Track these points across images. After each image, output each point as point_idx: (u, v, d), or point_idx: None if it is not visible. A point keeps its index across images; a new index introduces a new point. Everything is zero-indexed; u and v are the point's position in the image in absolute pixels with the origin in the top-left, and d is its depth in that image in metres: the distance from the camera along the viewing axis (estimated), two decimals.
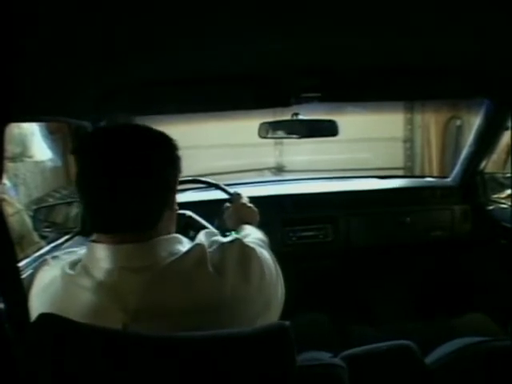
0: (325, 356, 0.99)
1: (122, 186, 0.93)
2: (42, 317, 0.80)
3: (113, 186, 0.93)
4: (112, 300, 0.91)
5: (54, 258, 1.11)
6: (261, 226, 1.58)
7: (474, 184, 2.50)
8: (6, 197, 3.20)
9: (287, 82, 1.60)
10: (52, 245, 1.85)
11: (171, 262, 0.94)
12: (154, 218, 0.97)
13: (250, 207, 1.68)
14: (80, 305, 0.92)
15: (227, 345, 0.83)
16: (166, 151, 1.01)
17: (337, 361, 0.97)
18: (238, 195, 1.77)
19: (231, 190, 1.92)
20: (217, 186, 2.00)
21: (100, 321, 0.87)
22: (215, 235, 1.13)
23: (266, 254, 1.09)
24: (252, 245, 1.06)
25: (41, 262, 1.13)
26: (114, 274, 0.93)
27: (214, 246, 1.01)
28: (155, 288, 0.92)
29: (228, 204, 1.75)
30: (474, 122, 2.38)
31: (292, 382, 0.82)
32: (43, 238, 2.71)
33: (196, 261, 0.95)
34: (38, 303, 0.99)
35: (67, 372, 0.80)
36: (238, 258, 0.99)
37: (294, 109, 1.93)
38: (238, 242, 1.04)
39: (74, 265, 0.99)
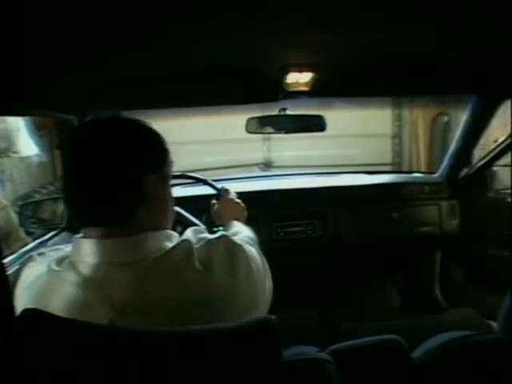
0: (311, 350, 0.99)
1: (96, 181, 0.94)
2: (26, 312, 0.79)
3: (90, 179, 0.94)
4: (98, 295, 0.91)
5: (40, 254, 1.09)
6: (249, 221, 1.58)
7: (483, 178, 2.50)
8: None
9: (275, 76, 1.60)
10: (38, 241, 1.83)
11: (158, 257, 0.94)
12: (129, 213, 0.96)
13: (237, 203, 1.68)
14: (66, 300, 0.92)
15: (213, 339, 0.82)
16: (148, 145, 1.00)
17: (324, 355, 0.96)
18: (226, 191, 1.76)
19: (219, 185, 1.91)
20: (204, 182, 1.99)
21: (86, 316, 0.86)
22: (202, 232, 1.12)
23: (253, 251, 1.08)
24: (239, 241, 1.06)
25: (27, 259, 1.11)
26: (100, 269, 0.92)
27: (201, 243, 1.01)
28: (141, 284, 0.91)
29: (214, 200, 1.74)
30: (461, 119, 2.40)
31: (278, 377, 0.82)
32: (29, 234, 2.69)
33: (183, 256, 0.95)
34: (23, 300, 0.97)
35: (52, 367, 0.79)
36: (225, 255, 0.98)
37: (282, 104, 1.93)
38: (224, 238, 1.03)
39: (60, 261, 0.98)
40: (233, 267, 0.97)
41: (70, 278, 0.93)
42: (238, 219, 1.52)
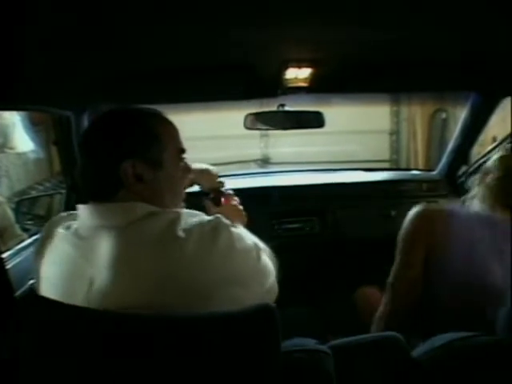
0: (310, 342, 0.99)
1: (87, 164, 1.08)
2: (27, 299, 0.81)
3: (85, 162, 1.08)
4: (85, 254, 0.99)
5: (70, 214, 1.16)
6: (246, 218, 1.56)
7: None
8: None
9: (274, 72, 1.59)
10: (34, 237, 1.83)
11: (144, 223, 0.98)
12: (112, 191, 1.05)
13: (240, 210, 1.65)
14: (62, 257, 1.03)
15: (212, 325, 0.83)
16: (130, 134, 1.06)
17: (322, 347, 0.97)
18: (229, 195, 1.72)
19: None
20: None
21: (73, 272, 0.99)
22: (198, 215, 1.13)
23: (242, 234, 1.09)
24: (229, 223, 1.07)
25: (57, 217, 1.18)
26: (93, 231, 1.00)
27: (193, 217, 1.04)
28: (124, 247, 0.95)
29: (208, 201, 1.70)
30: (459, 115, 2.39)
31: (276, 366, 0.83)
32: (25, 230, 2.68)
33: (167, 224, 0.98)
34: (44, 252, 1.09)
35: (52, 354, 0.81)
36: (209, 229, 1.00)
37: (281, 100, 1.92)
38: (216, 217, 1.05)
39: (69, 226, 1.07)
40: (214, 238, 0.98)
41: (69, 238, 1.03)
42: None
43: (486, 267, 1.32)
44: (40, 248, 1.11)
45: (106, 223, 1.00)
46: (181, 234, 0.96)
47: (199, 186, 1.68)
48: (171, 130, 1.15)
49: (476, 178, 1.53)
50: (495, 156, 1.46)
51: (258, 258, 1.10)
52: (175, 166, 1.13)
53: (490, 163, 1.46)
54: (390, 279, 1.51)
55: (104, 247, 0.96)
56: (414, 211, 1.50)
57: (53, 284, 1.04)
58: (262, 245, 1.25)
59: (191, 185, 1.62)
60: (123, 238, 0.96)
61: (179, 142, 1.16)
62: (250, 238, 1.15)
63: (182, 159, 1.17)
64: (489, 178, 1.43)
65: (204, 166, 1.72)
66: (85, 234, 1.01)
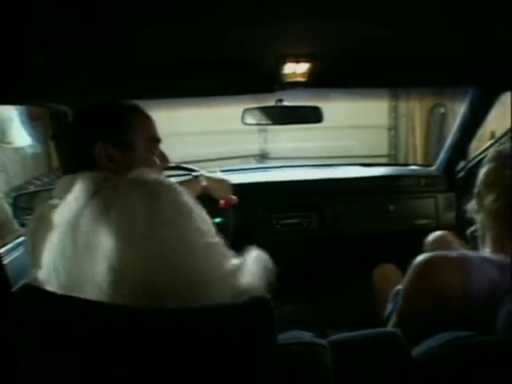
0: (306, 335, 0.99)
1: (70, 145, 1.25)
2: (25, 294, 0.81)
3: (68, 144, 1.27)
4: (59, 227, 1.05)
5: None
6: (245, 213, 1.57)
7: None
8: None
9: (272, 67, 1.58)
10: None
11: (102, 184, 1.04)
12: (87, 168, 1.14)
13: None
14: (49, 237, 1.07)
15: (207, 317, 0.84)
16: (102, 121, 1.20)
17: (319, 340, 0.96)
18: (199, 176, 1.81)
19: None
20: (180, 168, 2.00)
21: (54, 247, 1.04)
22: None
23: (195, 210, 1.03)
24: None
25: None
26: (66, 201, 1.06)
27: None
28: (79, 214, 1.01)
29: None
30: (458, 110, 2.38)
31: (272, 358, 0.83)
32: (23, 225, 2.67)
33: (124, 179, 1.04)
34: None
35: (51, 347, 0.81)
36: (158, 180, 1.03)
37: (279, 95, 1.91)
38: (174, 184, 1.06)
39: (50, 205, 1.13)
40: (153, 194, 1.00)
41: (50, 214, 1.09)
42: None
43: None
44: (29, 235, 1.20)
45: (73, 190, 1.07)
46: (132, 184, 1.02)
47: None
48: (145, 121, 1.26)
49: (472, 204, 1.32)
50: (482, 171, 1.27)
51: (202, 235, 1.01)
52: (148, 151, 1.23)
53: (480, 183, 1.26)
54: (395, 319, 1.33)
55: (68, 215, 1.03)
56: (419, 260, 1.26)
57: (44, 264, 1.06)
58: (261, 256, 1.26)
59: (205, 191, 1.67)
60: (81, 204, 1.02)
61: (153, 132, 1.27)
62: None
63: (156, 147, 1.28)
64: (487, 202, 1.23)
65: (221, 176, 1.76)
66: (61, 206, 1.07)
